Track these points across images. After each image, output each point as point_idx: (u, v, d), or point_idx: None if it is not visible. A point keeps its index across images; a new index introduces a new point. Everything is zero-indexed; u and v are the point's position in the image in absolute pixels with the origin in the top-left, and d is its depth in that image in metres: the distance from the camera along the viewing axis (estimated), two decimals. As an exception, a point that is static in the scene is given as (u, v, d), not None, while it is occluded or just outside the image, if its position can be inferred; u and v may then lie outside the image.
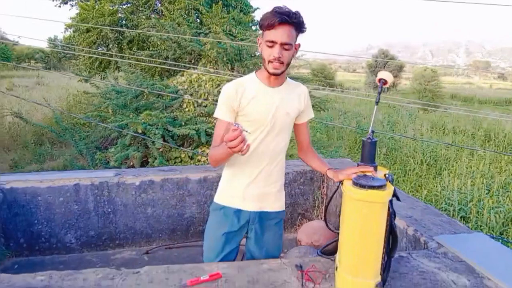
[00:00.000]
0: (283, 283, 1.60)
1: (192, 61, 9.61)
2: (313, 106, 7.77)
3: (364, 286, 1.52)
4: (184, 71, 8.66)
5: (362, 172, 1.58)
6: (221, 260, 1.83)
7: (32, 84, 16.80)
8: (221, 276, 1.62)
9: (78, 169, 6.21)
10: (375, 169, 1.62)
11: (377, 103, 1.75)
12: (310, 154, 1.96)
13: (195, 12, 10.82)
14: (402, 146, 9.67)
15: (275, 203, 1.90)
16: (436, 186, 6.81)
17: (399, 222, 2.34)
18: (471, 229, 2.95)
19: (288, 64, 1.71)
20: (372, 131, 1.69)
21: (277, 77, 1.75)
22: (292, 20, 1.62)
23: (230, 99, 1.74)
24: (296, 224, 3.40)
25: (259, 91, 1.76)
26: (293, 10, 1.66)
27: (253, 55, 9.07)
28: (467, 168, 8.11)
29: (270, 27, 1.62)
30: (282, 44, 1.64)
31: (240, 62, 8.54)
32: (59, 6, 12.23)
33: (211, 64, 8.89)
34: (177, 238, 3.11)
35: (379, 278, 1.54)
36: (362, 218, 1.47)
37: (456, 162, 8.48)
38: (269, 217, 1.90)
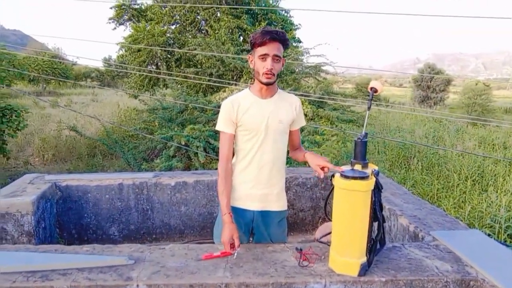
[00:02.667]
0: (282, 261, 1.88)
1: (235, 78, 10.10)
2: (353, 121, 7.90)
3: (350, 264, 1.76)
4: (226, 87, 9.13)
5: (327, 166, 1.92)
6: None
7: (87, 101, 18.04)
8: (231, 254, 1.92)
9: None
10: (366, 165, 1.86)
11: (368, 108, 2.00)
12: (297, 151, 2.26)
13: (238, 30, 11.35)
14: (446, 161, 9.49)
15: (276, 203, 2.15)
16: (481, 203, 6.68)
17: (403, 221, 2.54)
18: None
19: (278, 75, 2.01)
20: (366, 133, 1.93)
21: (269, 88, 2.04)
22: (279, 37, 1.95)
23: (228, 112, 2.04)
24: (317, 226, 3.63)
25: (253, 103, 2.05)
26: (279, 30, 1.99)
27: (292, 71, 9.40)
28: (516, 184, 7.84)
29: (262, 44, 1.93)
30: (273, 57, 1.95)
31: (280, 77, 8.91)
32: (115, 29, 13.23)
33: (252, 80, 9.29)
34: (207, 234, 3.44)
35: (364, 259, 1.78)
36: (347, 204, 1.73)
37: (504, 179, 8.22)
38: (271, 216, 2.14)
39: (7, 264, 1.78)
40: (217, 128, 2.07)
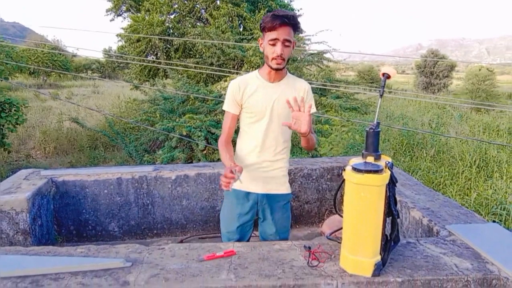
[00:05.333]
0: (290, 261, 1.75)
1: (236, 67, 9.91)
2: (355, 109, 7.72)
3: (363, 264, 1.64)
4: (228, 76, 8.96)
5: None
6: (238, 239, 2.10)
7: (88, 93, 17.91)
8: (235, 253, 1.80)
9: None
10: (379, 157, 1.72)
11: (381, 96, 1.86)
12: None
13: (238, 18, 11.13)
14: (450, 148, 9.35)
15: (281, 186, 2.13)
16: (487, 190, 6.57)
17: (415, 213, 2.41)
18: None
19: (288, 60, 1.94)
20: (378, 122, 1.80)
21: (278, 72, 1.98)
22: (290, 21, 1.85)
23: (234, 93, 2.02)
24: (324, 219, 3.51)
25: (260, 86, 2.01)
26: (290, 12, 1.88)
27: (294, 59, 9.21)
28: (521, 170, 7.69)
29: (272, 28, 1.85)
30: (283, 42, 1.87)
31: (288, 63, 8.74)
32: (113, 20, 13.00)
33: (253, 69, 9.13)
34: (209, 229, 3.33)
35: (378, 258, 1.65)
36: (359, 200, 1.60)
37: (509, 165, 8.07)
38: (276, 199, 2.12)
39: (-4, 268, 1.66)
40: (223, 107, 2.07)
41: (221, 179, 1.81)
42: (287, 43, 1.88)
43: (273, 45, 1.87)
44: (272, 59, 1.90)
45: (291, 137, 2.16)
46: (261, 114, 2.01)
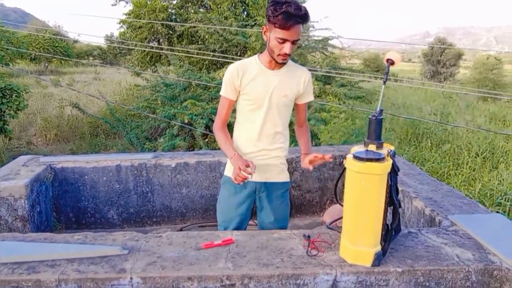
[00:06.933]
0: (289, 250, 1.73)
1: (238, 54, 9.82)
2: (361, 98, 7.64)
3: (363, 254, 1.61)
4: (230, 63, 8.87)
5: (317, 158, 1.85)
6: (235, 228, 2.06)
7: (90, 79, 17.83)
8: (233, 242, 1.78)
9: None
10: (381, 145, 1.68)
11: (384, 82, 1.81)
12: (300, 131, 2.18)
13: (241, 5, 11.00)
14: (455, 138, 9.26)
15: (279, 174, 2.09)
16: (492, 180, 6.51)
17: (417, 203, 2.38)
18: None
19: None
20: (381, 110, 1.75)
21: None
22: (303, 20, 1.77)
23: (232, 78, 1.94)
24: (325, 208, 3.49)
25: (259, 73, 1.94)
26: (300, 5, 1.77)
27: (298, 45, 9.11)
28: (528, 162, 7.59)
29: (283, 28, 1.75)
30: (292, 41, 1.80)
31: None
32: (115, 4, 12.87)
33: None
34: (209, 217, 3.31)
35: (379, 248, 1.63)
36: (360, 189, 1.57)
37: (516, 156, 7.97)
38: (274, 187, 2.09)
39: (-8, 254, 1.65)
40: (221, 92, 2.01)
41: (235, 173, 1.82)
42: (295, 42, 1.82)
43: (282, 43, 1.80)
44: (278, 55, 1.84)
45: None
46: (260, 102, 1.95)
